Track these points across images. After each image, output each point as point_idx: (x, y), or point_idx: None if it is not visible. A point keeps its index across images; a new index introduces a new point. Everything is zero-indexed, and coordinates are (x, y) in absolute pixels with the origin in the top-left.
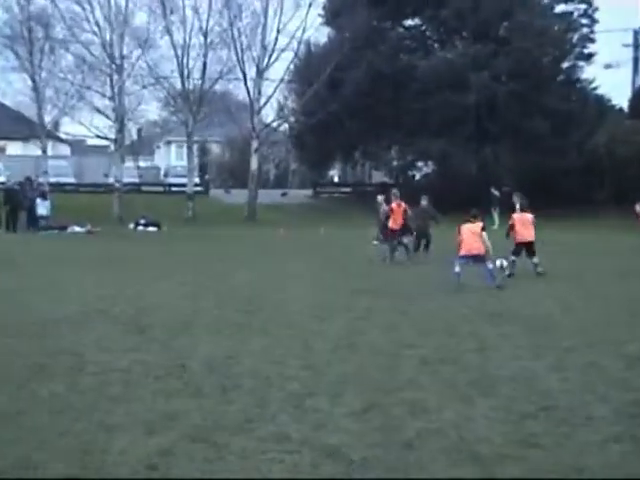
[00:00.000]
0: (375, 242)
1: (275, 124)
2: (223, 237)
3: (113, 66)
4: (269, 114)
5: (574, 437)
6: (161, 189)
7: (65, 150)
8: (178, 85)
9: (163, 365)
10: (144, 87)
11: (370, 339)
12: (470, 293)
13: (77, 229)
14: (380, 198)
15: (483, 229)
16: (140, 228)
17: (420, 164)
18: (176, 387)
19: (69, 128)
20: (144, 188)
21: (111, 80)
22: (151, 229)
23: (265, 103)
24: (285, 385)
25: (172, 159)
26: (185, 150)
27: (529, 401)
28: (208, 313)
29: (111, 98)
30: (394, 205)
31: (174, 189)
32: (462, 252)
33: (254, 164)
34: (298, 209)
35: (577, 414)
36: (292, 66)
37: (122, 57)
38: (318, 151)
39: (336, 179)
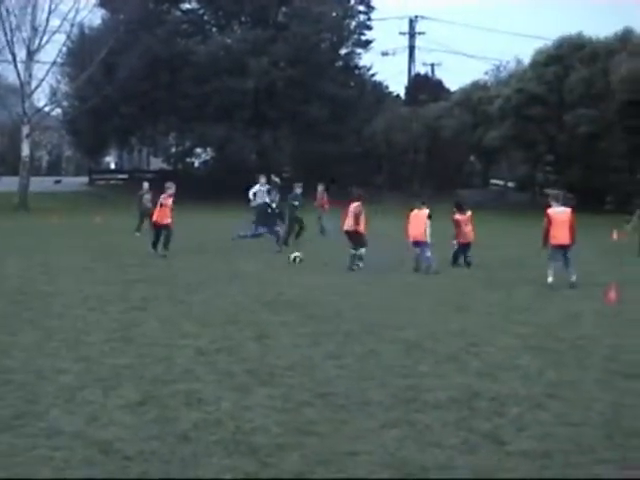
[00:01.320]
0: (137, 233)
1: (48, 109)
2: None
3: None
4: (41, 98)
5: (351, 423)
6: None
7: None
8: None
9: None
10: None
11: (145, 330)
12: (249, 281)
13: None
14: (145, 186)
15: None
16: None
17: (199, 150)
18: None
19: None
20: None
21: None
22: None
23: (37, 87)
24: (57, 378)
25: None
26: None
27: (307, 389)
28: None
29: None
30: (162, 199)
31: None
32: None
33: (25, 150)
34: (73, 197)
35: (354, 400)
36: (65, 49)
37: None
38: (93, 137)
39: (113, 166)
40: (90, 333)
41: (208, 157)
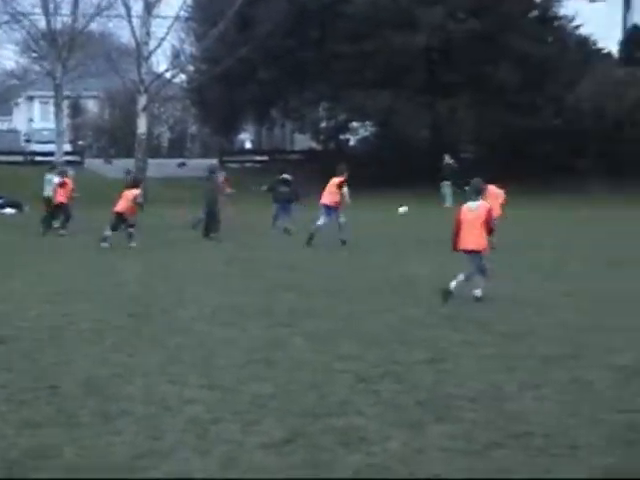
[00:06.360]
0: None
1: (169, 74)
2: (103, 221)
3: None
4: (161, 62)
5: (554, 471)
6: (21, 159)
7: None
8: (42, 24)
9: (28, 387)
10: None
11: (292, 351)
12: (421, 288)
13: None
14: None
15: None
16: None
17: (356, 125)
18: (46, 415)
19: None
20: None
21: None
22: (8, 211)
23: (156, 47)
24: (185, 410)
25: (35, 120)
26: (52, 108)
27: (496, 427)
28: (85, 318)
29: None
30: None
31: (38, 159)
32: None
33: (142, 126)
34: (201, 184)
35: (557, 442)
36: (190, 0)
37: None
38: (225, 109)
39: (249, 145)
40: (224, 355)
41: (367, 133)
